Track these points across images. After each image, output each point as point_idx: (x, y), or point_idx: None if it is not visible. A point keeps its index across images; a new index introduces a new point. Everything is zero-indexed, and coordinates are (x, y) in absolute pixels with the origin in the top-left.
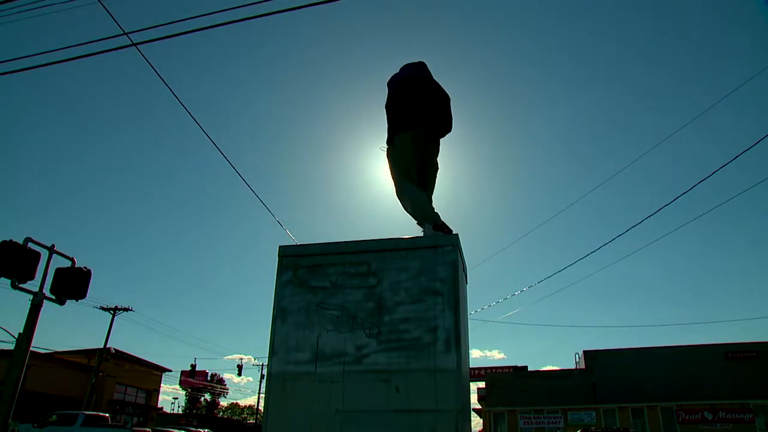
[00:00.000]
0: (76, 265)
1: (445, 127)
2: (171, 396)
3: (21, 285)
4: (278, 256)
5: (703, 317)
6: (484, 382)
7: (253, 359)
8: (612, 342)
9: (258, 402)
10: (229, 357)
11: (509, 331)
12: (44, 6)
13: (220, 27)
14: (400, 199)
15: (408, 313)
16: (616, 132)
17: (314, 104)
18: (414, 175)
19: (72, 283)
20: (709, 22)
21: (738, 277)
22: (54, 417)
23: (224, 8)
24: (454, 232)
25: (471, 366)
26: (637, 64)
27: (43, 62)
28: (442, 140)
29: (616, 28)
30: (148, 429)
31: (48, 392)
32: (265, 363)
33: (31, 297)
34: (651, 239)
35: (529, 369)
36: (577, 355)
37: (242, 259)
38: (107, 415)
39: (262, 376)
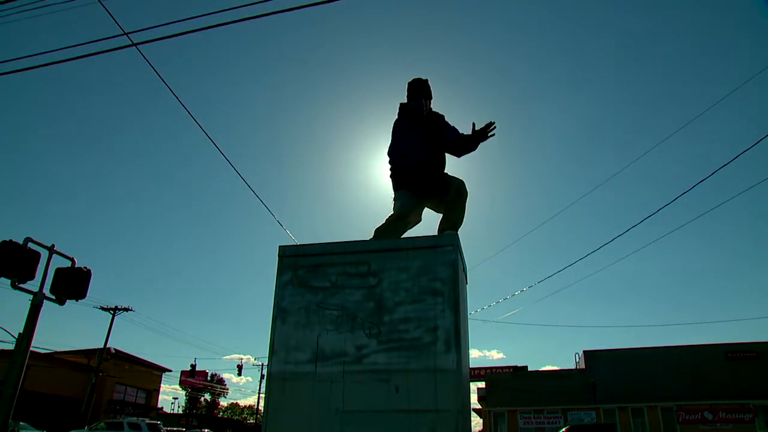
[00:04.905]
0: (76, 265)
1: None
2: (171, 396)
3: (21, 285)
4: (278, 256)
5: (703, 317)
6: (484, 382)
7: (253, 359)
8: (612, 342)
9: (258, 402)
10: (229, 357)
11: (509, 331)
12: (44, 6)
13: (220, 27)
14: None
15: (408, 313)
16: (615, 132)
17: (314, 104)
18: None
19: (72, 283)
20: (709, 22)
21: (738, 277)
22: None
23: (224, 8)
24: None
25: (471, 366)
26: (636, 63)
27: (43, 62)
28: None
29: (616, 27)
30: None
31: (48, 392)
32: (265, 363)
33: (31, 297)
34: (651, 239)
35: (529, 369)
36: (577, 355)
37: (242, 259)
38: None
39: (262, 376)
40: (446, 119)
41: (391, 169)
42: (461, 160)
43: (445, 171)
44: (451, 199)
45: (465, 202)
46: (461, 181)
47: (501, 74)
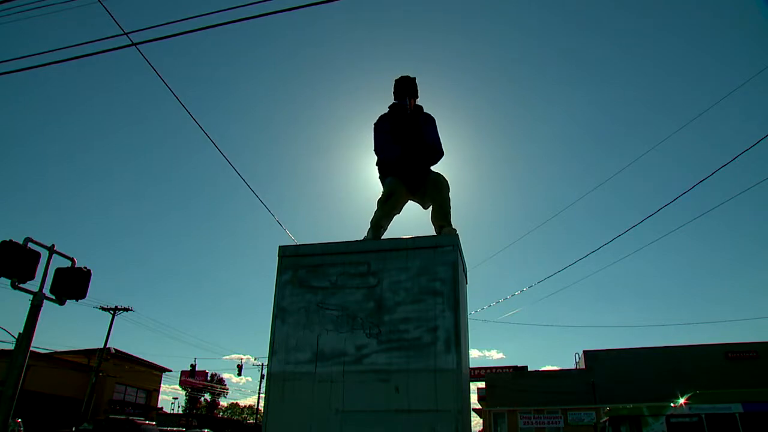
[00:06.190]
0: (76, 265)
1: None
2: (171, 396)
3: (21, 285)
4: (278, 256)
5: (703, 317)
6: (484, 382)
7: (253, 359)
8: (612, 342)
9: (258, 402)
10: (229, 357)
11: (509, 331)
12: (44, 6)
13: (220, 27)
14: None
15: (408, 313)
16: (615, 132)
17: (314, 104)
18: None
19: (72, 283)
20: (709, 22)
21: (738, 277)
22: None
23: (224, 8)
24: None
25: (471, 366)
26: (636, 64)
27: (43, 62)
28: (444, 139)
29: (616, 27)
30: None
31: (48, 392)
32: (265, 363)
33: (31, 297)
34: (651, 239)
35: (529, 369)
36: (577, 355)
37: (242, 259)
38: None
39: (262, 376)
40: (437, 123)
41: (377, 165)
42: (461, 161)
43: (432, 169)
44: (431, 190)
45: (444, 191)
46: (438, 174)
47: (501, 74)
